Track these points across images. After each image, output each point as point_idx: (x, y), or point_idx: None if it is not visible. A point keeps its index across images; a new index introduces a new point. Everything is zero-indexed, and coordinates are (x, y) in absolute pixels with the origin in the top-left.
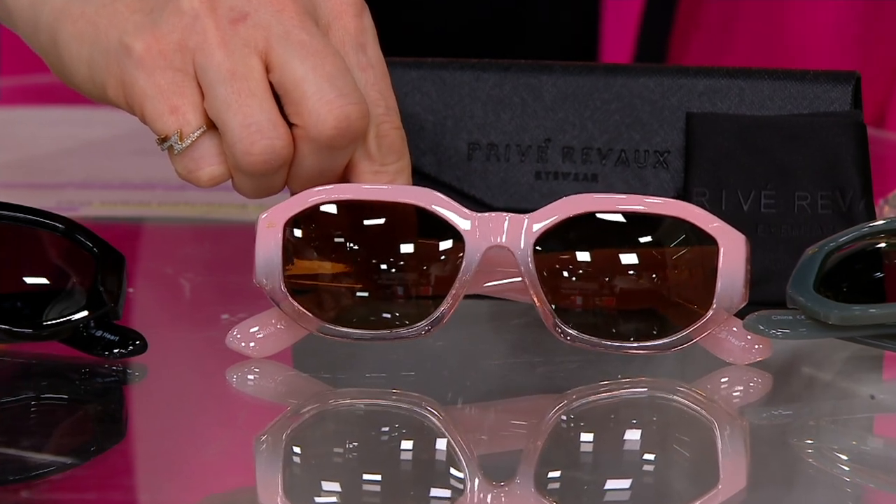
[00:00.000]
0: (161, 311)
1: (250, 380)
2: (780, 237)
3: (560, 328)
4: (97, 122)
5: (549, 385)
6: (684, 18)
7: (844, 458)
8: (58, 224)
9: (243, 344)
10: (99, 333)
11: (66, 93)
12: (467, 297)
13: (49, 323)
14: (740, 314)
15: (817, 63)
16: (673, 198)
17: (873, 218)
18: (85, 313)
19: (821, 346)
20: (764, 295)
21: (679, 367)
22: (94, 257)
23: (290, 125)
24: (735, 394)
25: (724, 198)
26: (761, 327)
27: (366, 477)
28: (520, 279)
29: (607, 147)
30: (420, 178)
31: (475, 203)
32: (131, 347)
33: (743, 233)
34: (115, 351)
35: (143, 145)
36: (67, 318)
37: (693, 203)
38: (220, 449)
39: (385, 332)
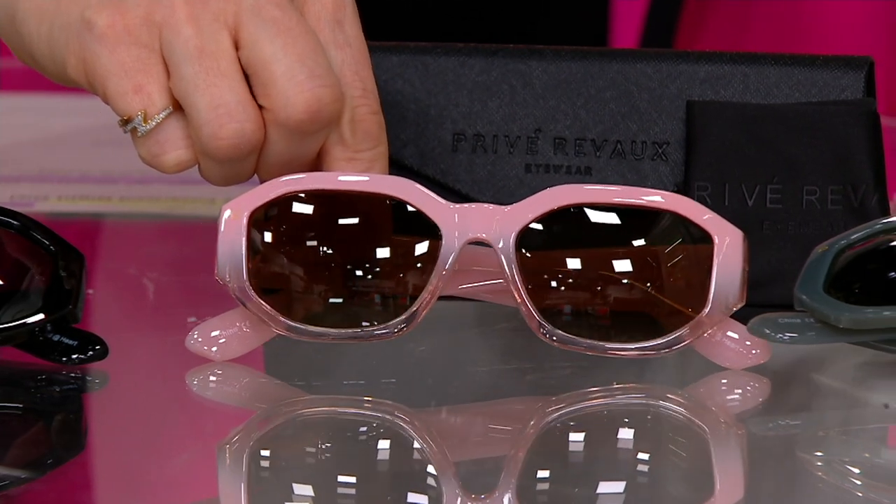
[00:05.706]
0: (123, 314)
1: (213, 386)
2: (788, 234)
3: (544, 328)
4: (54, 110)
5: (538, 393)
6: (693, 8)
7: (856, 470)
8: (11, 220)
9: (205, 347)
10: (56, 338)
11: (18, 79)
12: (452, 298)
13: (2, 326)
14: (743, 318)
15: (840, 51)
16: (671, 192)
17: (887, 213)
18: (41, 316)
19: (831, 352)
20: (770, 296)
21: (678, 373)
22: (50, 256)
23: (260, 108)
24: (732, 400)
25: (728, 192)
26: (767, 331)
27: (336, 491)
28: (500, 281)
29: (602, 138)
30: (401, 170)
31: (460, 198)
32: (91, 353)
33: (747, 230)
34: (74, 357)
35: (103, 136)
36: (22, 321)
37: (694, 198)
38: (187, 461)
39: (356, 331)
